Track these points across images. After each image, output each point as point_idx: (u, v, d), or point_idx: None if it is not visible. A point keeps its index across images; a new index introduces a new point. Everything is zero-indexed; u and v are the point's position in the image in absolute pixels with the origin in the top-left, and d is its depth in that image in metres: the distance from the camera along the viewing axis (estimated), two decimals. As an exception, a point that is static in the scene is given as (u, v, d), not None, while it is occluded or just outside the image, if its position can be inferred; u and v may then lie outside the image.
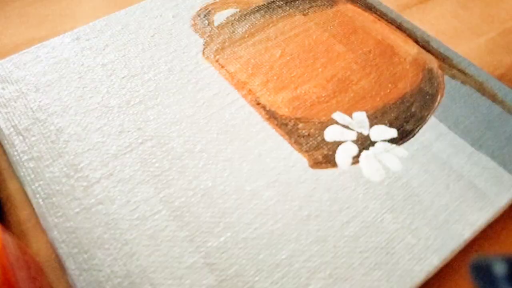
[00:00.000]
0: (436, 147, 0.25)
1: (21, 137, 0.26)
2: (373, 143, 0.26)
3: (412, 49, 0.30)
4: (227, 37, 0.31)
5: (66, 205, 0.23)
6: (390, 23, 0.32)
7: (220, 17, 0.32)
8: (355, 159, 0.25)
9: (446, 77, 0.28)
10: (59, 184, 0.24)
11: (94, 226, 0.22)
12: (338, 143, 0.26)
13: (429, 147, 0.25)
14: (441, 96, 0.28)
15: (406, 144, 0.25)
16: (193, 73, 0.29)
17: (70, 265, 0.21)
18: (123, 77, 0.29)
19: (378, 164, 0.25)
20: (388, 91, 0.28)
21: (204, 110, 0.27)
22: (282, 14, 0.32)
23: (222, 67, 0.29)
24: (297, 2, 0.33)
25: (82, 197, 0.23)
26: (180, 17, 0.32)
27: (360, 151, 0.25)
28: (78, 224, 0.23)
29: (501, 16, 0.33)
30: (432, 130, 0.26)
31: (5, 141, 0.26)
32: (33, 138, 0.26)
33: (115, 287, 0.21)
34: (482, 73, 0.28)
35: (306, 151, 0.25)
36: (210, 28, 0.32)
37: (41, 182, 0.24)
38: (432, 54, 0.30)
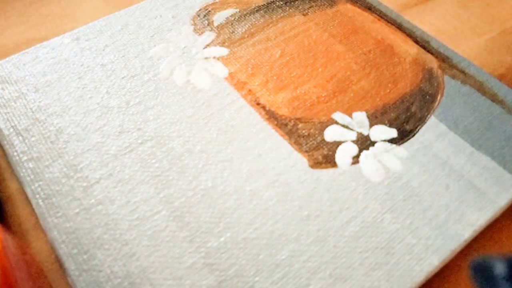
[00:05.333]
0: (436, 147, 0.25)
1: (20, 138, 0.26)
2: (373, 143, 0.26)
3: (412, 49, 0.30)
4: (227, 37, 0.31)
5: (66, 205, 0.23)
6: (390, 23, 0.32)
7: (220, 17, 0.32)
8: (355, 159, 0.25)
9: (446, 77, 0.28)
10: (58, 185, 0.24)
11: (94, 227, 0.22)
12: (338, 143, 0.26)
13: (429, 147, 0.25)
14: (441, 96, 0.28)
15: (406, 144, 0.25)
16: (193, 73, 0.29)
17: (70, 265, 0.21)
18: (123, 78, 0.29)
19: (378, 164, 0.25)
20: (388, 91, 0.28)
21: (204, 111, 0.27)
22: (282, 14, 0.32)
23: (222, 67, 0.29)
24: (297, 2, 0.33)
25: (82, 197, 0.23)
26: (180, 17, 0.32)
27: (360, 151, 0.25)
28: (78, 224, 0.22)
29: (501, 16, 0.33)
30: (432, 130, 0.26)
31: (5, 142, 0.26)
32: (32, 139, 0.26)
33: (115, 287, 0.21)
34: (482, 73, 0.28)
35: (306, 151, 0.25)
36: (210, 28, 0.32)
37: (40, 183, 0.24)
38: (432, 54, 0.30)
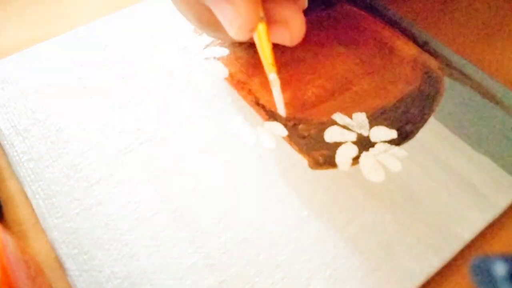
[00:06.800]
0: (435, 148, 0.25)
1: (21, 138, 0.26)
2: (373, 144, 0.26)
3: (411, 49, 0.30)
4: (227, 37, 0.31)
5: (66, 205, 0.23)
6: (390, 23, 0.32)
7: (220, 17, 0.32)
8: (355, 160, 0.25)
9: (445, 78, 0.28)
10: (59, 185, 0.24)
11: (94, 227, 0.22)
12: (338, 144, 0.26)
13: (428, 148, 0.25)
14: (441, 97, 0.28)
15: (405, 145, 0.26)
16: (193, 73, 0.29)
17: (70, 265, 0.21)
18: (123, 77, 0.29)
19: (378, 165, 0.25)
20: (388, 92, 0.28)
21: (204, 111, 0.27)
22: (282, 15, 0.32)
23: (222, 67, 0.29)
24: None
25: (82, 197, 0.23)
26: (180, 17, 0.32)
27: (360, 152, 0.25)
28: (78, 224, 0.22)
29: (501, 15, 0.33)
30: (432, 131, 0.26)
31: (5, 141, 0.25)
32: (33, 139, 0.26)
33: (115, 287, 0.21)
34: (481, 74, 0.28)
35: (306, 152, 0.25)
36: (210, 29, 0.32)
37: (41, 183, 0.24)
38: (432, 54, 0.30)
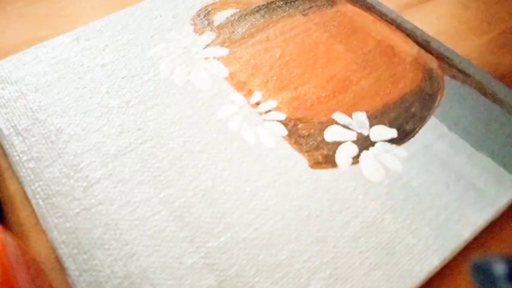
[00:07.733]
0: (436, 147, 0.25)
1: (21, 138, 0.26)
2: (373, 143, 0.26)
3: (412, 49, 0.30)
4: (227, 37, 0.31)
5: (66, 205, 0.23)
6: (390, 23, 0.32)
7: (220, 17, 0.32)
8: (355, 159, 0.25)
9: (446, 77, 0.28)
10: (59, 185, 0.24)
11: (94, 227, 0.22)
12: (338, 143, 0.26)
13: (429, 147, 0.25)
14: (441, 96, 0.28)
15: (406, 144, 0.25)
16: (193, 73, 0.29)
17: (70, 265, 0.21)
18: (123, 77, 0.29)
19: (378, 164, 0.25)
20: (388, 91, 0.28)
21: (204, 111, 0.27)
22: (282, 15, 0.32)
23: (222, 67, 0.29)
24: (297, 2, 0.33)
25: (82, 197, 0.23)
26: (180, 17, 0.32)
27: (360, 151, 0.25)
28: (78, 224, 0.22)
29: (501, 16, 0.33)
30: (432, 130, 0.26)
31: (5, 142, 0.26)
32: (32, 139, 0.26)
33: (115, 287, 0.21)
34: (482, 73, 0.28)
35: (306, 151, 0.25)
36: (210, 28, 0.32)
37: (41, 183, 0.24)
38: (432, 54, 0.30)
